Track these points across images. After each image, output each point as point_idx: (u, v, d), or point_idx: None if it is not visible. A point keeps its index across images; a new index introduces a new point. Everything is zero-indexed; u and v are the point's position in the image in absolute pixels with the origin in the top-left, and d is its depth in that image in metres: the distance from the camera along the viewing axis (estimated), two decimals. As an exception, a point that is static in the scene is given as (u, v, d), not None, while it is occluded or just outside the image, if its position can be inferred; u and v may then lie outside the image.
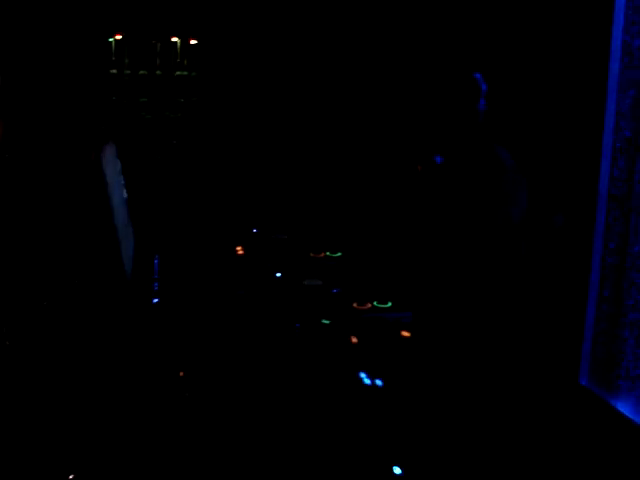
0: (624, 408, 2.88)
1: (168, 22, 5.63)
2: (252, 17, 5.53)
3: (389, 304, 2.68)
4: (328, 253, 3.16)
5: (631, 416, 2.81)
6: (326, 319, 2.47)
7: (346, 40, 5.14)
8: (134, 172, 4.30)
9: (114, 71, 5.66)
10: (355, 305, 2.65)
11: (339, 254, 3.16)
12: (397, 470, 1.80)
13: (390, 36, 4.71)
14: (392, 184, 3.92)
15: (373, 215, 3.91)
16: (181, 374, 1.68)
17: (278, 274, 2.85)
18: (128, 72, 5.75)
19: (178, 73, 5.83)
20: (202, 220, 3.63)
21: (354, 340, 2.34)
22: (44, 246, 2.04)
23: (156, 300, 1.75)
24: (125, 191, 2.09)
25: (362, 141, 4.89)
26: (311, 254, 3.11)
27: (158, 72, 5.84)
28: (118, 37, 5.60)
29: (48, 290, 1.83)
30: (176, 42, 5.79)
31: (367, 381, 2.04)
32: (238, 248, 3.09)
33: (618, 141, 3.00)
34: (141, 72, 5.76)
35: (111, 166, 1.89)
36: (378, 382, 2.04)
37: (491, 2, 3.58)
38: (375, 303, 2.69)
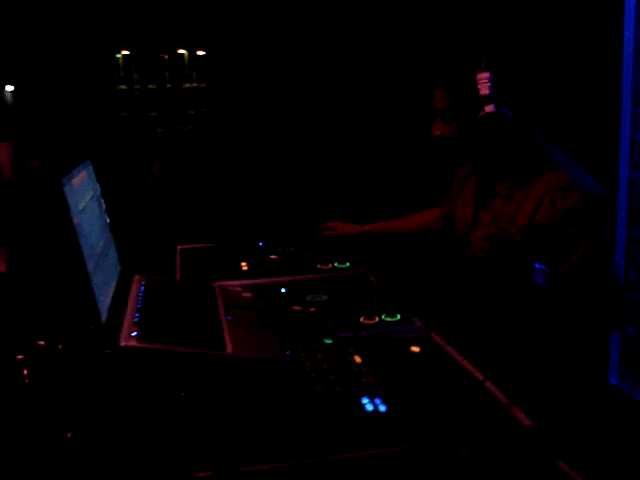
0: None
1: (174, 34, 5.57)
2: (259, 26, 5.45)
3: (398, 317, 2.53)
4: (336, 264, 3.01)
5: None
6: (329, 338, 2.33)
7: (357, 48, 5.03)
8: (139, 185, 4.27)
9: (123, 87, 5.61)
10: (362, 319, 2.51)
11: (347, 264, 3.01)
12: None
13: (402, 48, 4.58)
14: (401, 193, 3.81)
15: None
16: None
17: (283, 289, 2.71)
18: (138, 87, 5.70)
19: (187, 85, 5.77)
20: (211, 234, 3.55)
21: (357, 360, 2.20)
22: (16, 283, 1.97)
23: (135, 333, 1.64)
24: (106, 216, 1.98)
25: (371, 152, 4.78)
26: (318, 265, 2.97)
27: (168, 85, 5.78)
28: (125, 52, 5.55)
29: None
30: (183, 54, 5.72)
31: (369, 407, 1.90)
32: (243, 264, 2.97)
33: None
34: (150, 86, 5.71)
35: (81, 195, 1.79)
36: (381, 408, 1.90)
37: None
38: (383, 317, 2.54)
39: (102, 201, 1.94)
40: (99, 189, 2.00)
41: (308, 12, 5.26)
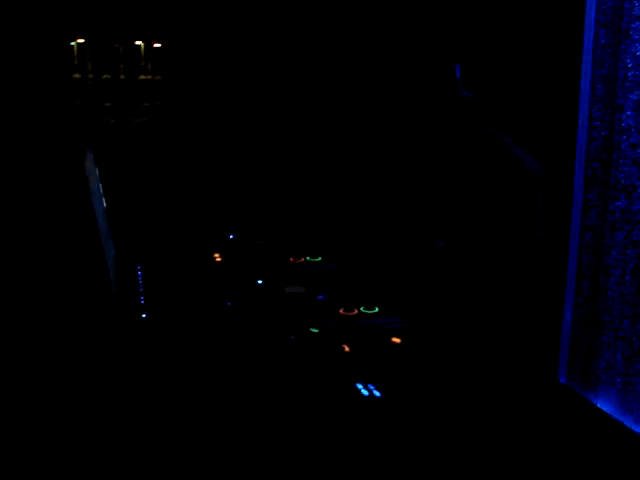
0: (604, 405, 2.86)
1: (131, 25, 5.53)
2: (216, 19, 5.46)
3: (376, 309, 2.62)
4: (308, 258, 3.09)
5: (611, 412, 2.80)
6: (314, 327, 2.40)
7: (319, 36, 5.08)
8: (108, 179, 4.21)
9: (77, 75, 5.54)
10: (342, 311, 2.59)
11: (319, 259, 3.09)
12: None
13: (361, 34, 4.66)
14: (372, 185, 3.88)
15: (352, 218, 3.87)
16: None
17: (259, 281, 2.77)
18: (92, 76, 5.64)
19: (142, 77, 5.73)
20: (178, 227, 3.54)
21: (347, 349, 2.27)
22: (27, 254, 1.95)
23: (144, 315, 1.66)
24: (104, 200, 1.99)
25: (337, 141, 4.84)
26: (291, 259, 3.04)
27: (122, 76, 5.73)
28: (80, 40, 5.48)
29: (32, 300, 1.74)
30: (139, 45, 5.67)
31: (365, 392, 1.97)
32: (216, 255, 3.01)
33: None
34: (105, 76, 5.65)
35: (92, 174, 1.80)
36: (376, 393, 1.98)
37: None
38: (362, 309, 2.63)
39: (100, 186, 1.94)
40: (98, 175, 2.00)
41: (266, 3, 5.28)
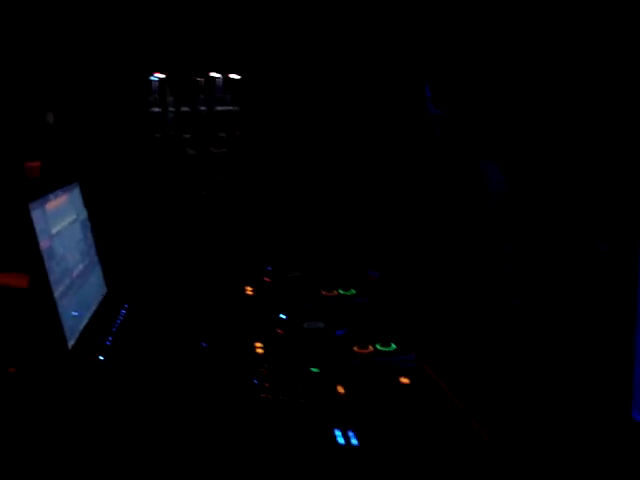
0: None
1: (209, 58, 5.68)
2: (292, 51, 5.51)
3: (393, 347, 2.50)
4: (341, 291, 3.00)
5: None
6: (315, 367, 2.31)
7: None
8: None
9: (157, 109, 5.73)
10: (356, 349, 2.48)
11: (352, 291, 2.99)
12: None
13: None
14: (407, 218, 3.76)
15: (389, 252, 3.76)
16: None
17: (283, 316, 2.71)
18: (172, 109, 5.83)
19: (220, 108, 5.86)
20: (213, 257, 3.57)
21: (341, 390, 2.17)
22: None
23: (101, 358, 1.65)
24: (91, 235, 2.00)
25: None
26: (323, 292, 2.96)
27: (201, 108, 5.89)
28: (160, 75, 5.68)
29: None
30: (217, 77, 5.82)
31: (341, 440, 1.87)
32: (248, 288, 2.98)
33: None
34: (183, 109, 5.83)
35: (56, 218, 1.81)
36: (354, 441, 1.86)
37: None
38: (378, 346, 2.51)
39: (89, 224, 1.95)
40: (85, 213, 2.02)
41: (340, 37, 5.28)
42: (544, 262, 2.95)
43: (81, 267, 1.90)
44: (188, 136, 5.98)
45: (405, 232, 3.79)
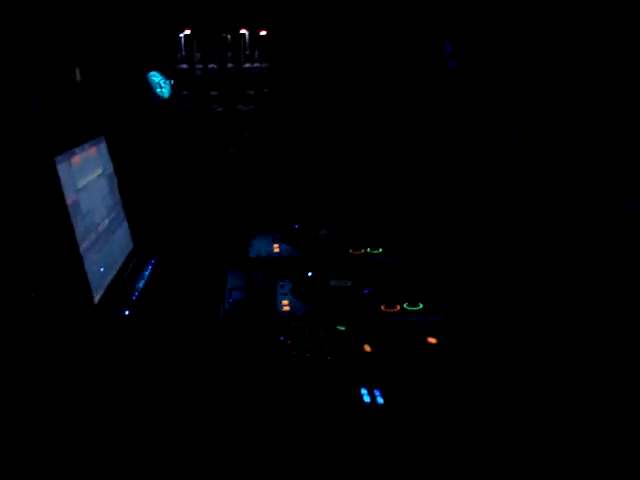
0: None
1: (237, 14, 5.61)
2: (321, 7, 5.42)
3: (420, 306, 2.47)
4: (369, 249, 2.97)
5: None
6: (342, 325, 2.29)
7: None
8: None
9: (184, 66, 5.70)
10: (383, 308, 2.46)
11: (380, 250, 2.96)
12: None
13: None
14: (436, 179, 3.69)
15: (418, 210, 3.70)
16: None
17: (309, 273, 2.70)
18: (200, 67, 5.78)
19: (248, 65, 5.80)
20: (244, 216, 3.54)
21: (367, 349, 2.15)
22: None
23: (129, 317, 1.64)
24: (117, 192, 1.98)
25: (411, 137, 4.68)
26: (350, 250, 2.93)
27: (229, 65, 5.84)
28: (187, 32, 5.62)
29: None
30: (245, 34, 5.74)
31: (367, 398, 1.85)
32: (275, 246, 2.96)
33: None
34: (211, 66, 5.78)
35: (82, 172, 1.79)
36: (380, 400, 1.85)
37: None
38: (405, 305, 2.48)
39: (115, 178, 1.93)
40: (111, 167, 1.99)
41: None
42: (572, 228, 2.87)
43: (107, 222, 1.89)
44: (215, 93, 5.94)
45: (429, 191, 3.74)
